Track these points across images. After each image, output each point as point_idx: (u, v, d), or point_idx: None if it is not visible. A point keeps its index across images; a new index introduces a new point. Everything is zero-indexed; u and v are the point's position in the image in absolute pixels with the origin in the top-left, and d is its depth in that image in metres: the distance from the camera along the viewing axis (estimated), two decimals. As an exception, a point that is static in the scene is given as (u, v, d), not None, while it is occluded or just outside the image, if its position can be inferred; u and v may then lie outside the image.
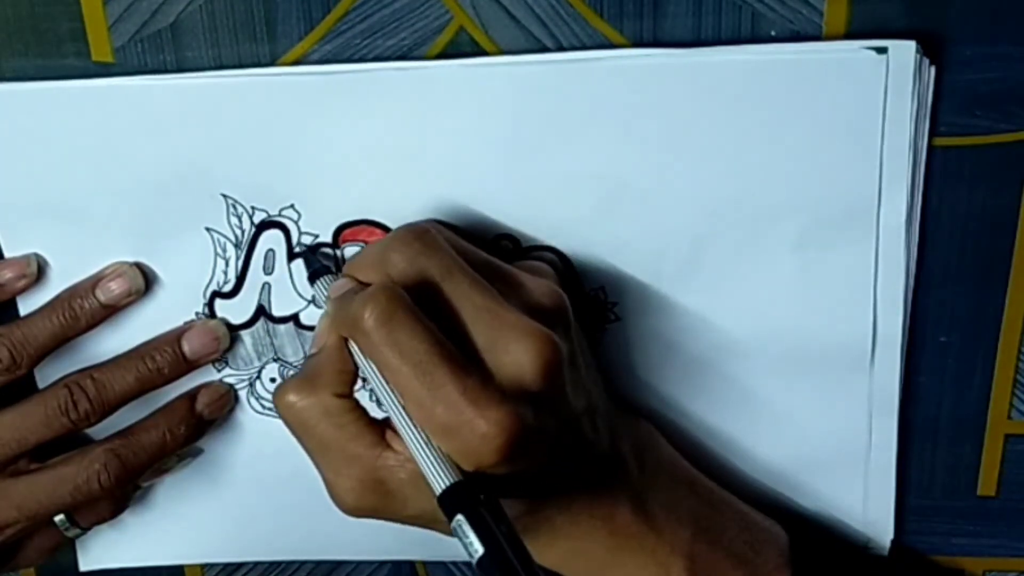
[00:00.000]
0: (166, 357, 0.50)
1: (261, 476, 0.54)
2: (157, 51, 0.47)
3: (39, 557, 0.53)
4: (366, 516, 0.44)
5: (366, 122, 0.46)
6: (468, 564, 0.57)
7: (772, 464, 0.52)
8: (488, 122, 0.46)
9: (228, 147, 0.47)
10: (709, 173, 0.46)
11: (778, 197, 0.47)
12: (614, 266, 0.49)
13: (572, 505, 0.45)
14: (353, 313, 0.41)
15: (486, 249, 0.45)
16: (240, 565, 0.58)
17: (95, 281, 0.50)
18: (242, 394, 0.53)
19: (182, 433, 0.51)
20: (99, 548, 0.57)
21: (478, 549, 0.39)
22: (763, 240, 0.48)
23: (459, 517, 0.39)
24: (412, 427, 0.41)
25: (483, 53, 0.46)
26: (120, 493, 0.53)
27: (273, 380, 0.52)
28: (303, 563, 0.58)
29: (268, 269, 0.50)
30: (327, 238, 0.49)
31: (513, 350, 0.41)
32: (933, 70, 0.45)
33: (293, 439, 0.50)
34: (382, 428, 0.43)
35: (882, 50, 0.44)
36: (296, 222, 0.49)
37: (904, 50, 0.44)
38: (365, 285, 0.43)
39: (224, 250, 0.50)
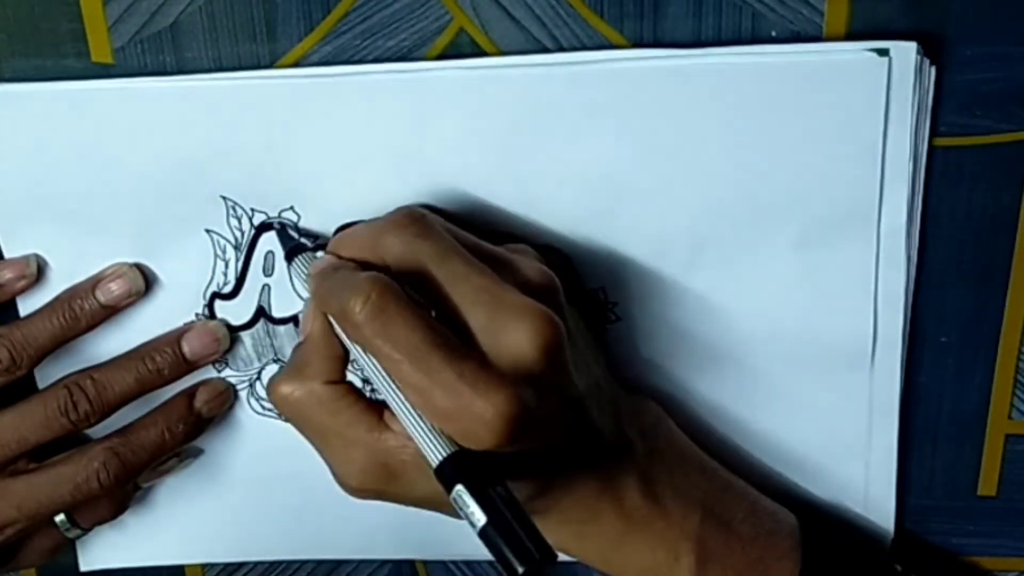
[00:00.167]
0: (166, 358, 0.50)
1: (261, 476, 0.54)
2: (157, 52, 0.47)
3: (39, 558, 0.53)
4: (372, 498, 0.45)
5: (366, 124, 0.46)
6: (468, 564, 0.57)
7: (772, 464, 0.52)
8: (488, 123, 0.46)
9: (228, 149, 0.47)
10: (709, 174, 0.46)
11: (779, 197, 0.47)
12: (614, 266, 0.49)
13: (580, 487, 0.45)
14: (342, 304, 0.41)
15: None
16: (240, 565, 0.58)
17: (95, 282, 0.50)
18: (242, 395, 0.53)
19: (181, 431, 0.51)
20: (99, 548, 0.57)
21: (480, 518, 0.38)
22: (764, 240, 0.48)
23: (458, 487, 0.39)
24: (407, 407, 0.41)
25: (483, 54, 0.46)
26: (120, 493, 0.53)
27: (274, 381, 0.52)
28: (303, 563, 0.58)
29: (268, 271, 0.50)
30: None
31: (513, 330, 0.40)
32: (934, 70, 0.45)
33: (293, 439, 0.50)
34: (379, 409, 0.43)
35: (883, 51, 0.44)
36: (296, 223, 0.49)
37: (905, 51, 0.44)
38: (348, 262, 0.43)
39: (224, 252, 0.50)
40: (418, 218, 0.43)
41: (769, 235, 0.47)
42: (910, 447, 0.52)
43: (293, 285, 0.49)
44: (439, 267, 0.42)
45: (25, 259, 0.50)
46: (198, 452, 0.54)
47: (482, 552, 0.39)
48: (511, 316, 0.41)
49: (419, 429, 0.40)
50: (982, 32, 0.45)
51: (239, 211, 0.49)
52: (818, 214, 0.47)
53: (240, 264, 0.50)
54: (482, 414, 0.39)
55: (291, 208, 0.48)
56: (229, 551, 0.57)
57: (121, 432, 0.51)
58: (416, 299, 0.41)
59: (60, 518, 0.52)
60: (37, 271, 0.50)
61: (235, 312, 0.51)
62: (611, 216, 0.47)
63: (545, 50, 0.46)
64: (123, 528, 0.55)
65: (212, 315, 0.51)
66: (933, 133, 0.46)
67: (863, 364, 0.49)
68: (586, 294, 0.49)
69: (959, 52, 0.45)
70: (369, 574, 0.58)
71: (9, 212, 0.49)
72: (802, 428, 0.51)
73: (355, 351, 0.42)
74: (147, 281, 0.50)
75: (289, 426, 0.52)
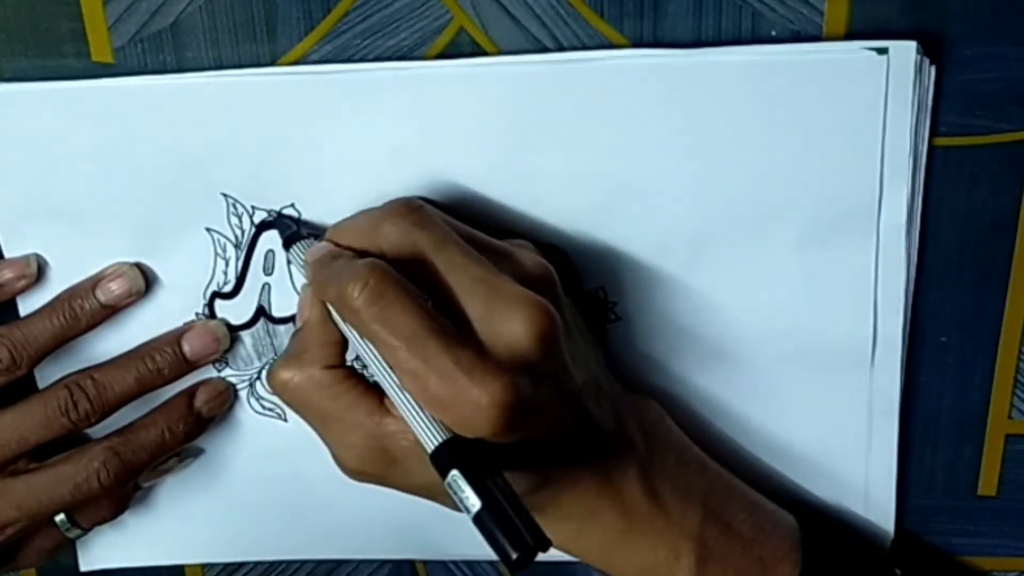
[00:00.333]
0: (166, 357, 0.50)
1: (261, 476, 0.54)
2: (157, 51, 0.47)
3: (39, 558, 0.53)
4: (371, 481, 0.45)
5: (366, 122, 0.46)
6: (468, 564, 0.57)
7: (772, 464, 0.52)
8: (488, 122, 0.46)
9: (228, 147, 0.47)
10: (709, 173, 0.46)
11: (778, 197, 0.47)
12: (614, 266, 0.49)
13: (579, 484, 0.45)
14: (340, 290, 0.41)
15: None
16: (240, 565, 0.58)
17: (95, 282, 0.50)
18: (242, 394, 0.53)
19: (181, 431, 0.51)
20: (100, 548, 0.57)
21: (474, 503, 0.38)
22: (763, 240, 0.48)
23: (453, 472, 0.39)
24: (403, 393, 0.41)
25: (483, 53, 0.46)
26: (120, 493, 0.53)
27: (274, 380, 0.52)
28: (303, 563, 0.58)
29: (268, 270, 0.50)
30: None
31: (509, 319, 0.41)
32: (933, 70, 0.45)
33: (293, 439, 0.51)
34: (380, 394, 0.43)
35: (883, 50, 0.44)
36: (296, 222, 0.49)
37: (904, 50, 0.44)
38: (346, 250, 0.44)
39: (224, 250, 0.50)
40: (416, 208, 0.43)
41: (769, 235, 0.47)
42: (910, 447, 0.52)
43: (291, 274, 0.50)
44: (436, 256, 0.42)
45: (25, 259, 0.50)
46: (198, 452, 0.54)
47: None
48: (507, 305, 0.41)
49: (415, 415, 0.40)
50: (982, 32, 0.45)
51: (239, 209, 0.49)
52: (818, 213, 0.47)
53: (240, 263, 0.50)
54: (478, 401, 0.39)
55: (291, 205, 0.48)
56: (229, 551, 0.57)
57: (121, 432, 0.51)
58: (413, 288, 0.41)
59: (60, 518, 0.52)
60: (37, 271, 0.50)
61: (235, 311, 0.51)
62: (611, 215, 0.48)
63: (545, 49, 0.46)
64: (123, 528, 0.55)
65: (212, 314, 0.51)
66: (933, 133, 0.46)
67: (863, 364, 0.49)
68: (586, 293, 0.49)
69: (959, 52, 0.45)
70: (369, 574, 0.58)
71: (9, 212, 0.49)
72: (802, 428, 0.51)
73: (352, 338, 0.43)
74: (147, 281, 0.50)
75: (289, 426, 0.52)
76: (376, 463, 0.43)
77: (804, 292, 0.48)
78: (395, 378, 0.41)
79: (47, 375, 0.51)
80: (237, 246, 0.49)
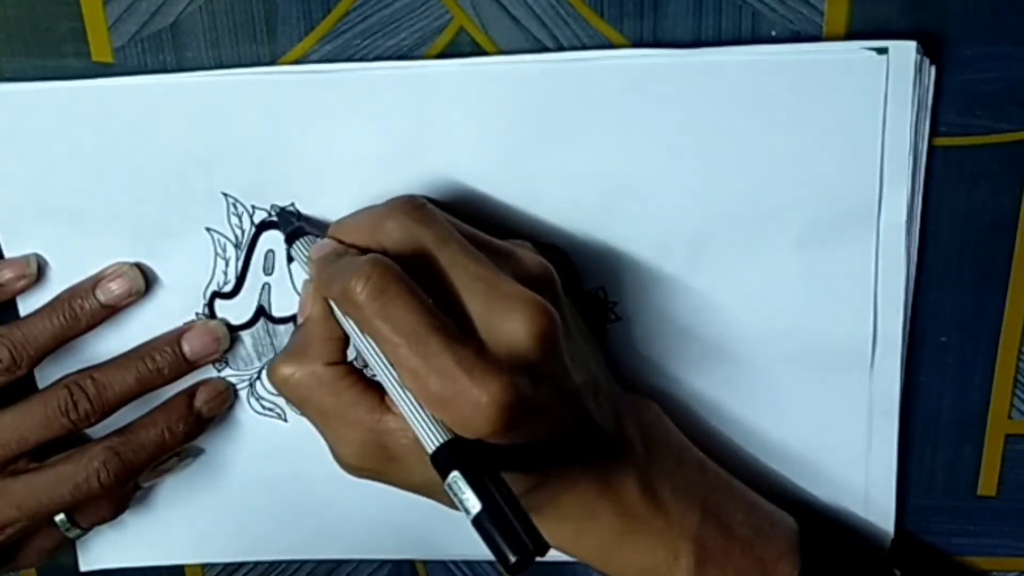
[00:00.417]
0: (166, 357, 0.50)
1: (261, 476, 0.54)
2: (157, 51, 0.47)
3: (39, 558, 0.53)
4: (370, 478, 0.45)
5: (366, 122, 0.46)
6: (468, 564, 0.57)
7: (772, 464, 0.52)
8: (488, 121, 0.46)
9: (228, 147, 0.47)
10: (709, 173, 0.46)
11: (778, 197, 0.47)
12: (614, 266, 0.49)
13: (578, 485, 0.45)
14: (343, 285, 0.41)
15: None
16: (240, 565, 0.58)
17: (95, 282, 0.50)
18: (242, 394, 0.53)
19: (181, 430, 0.51)
20: (99, 548, 0.57)
21: (474, 505, 0.38)
22: (763, 240, 0.48)
23: (454, 474, 0.39)
24: (404, 392, 0.41)
25: (483, 53, 0.46)
26: (120, 492, 0.53)
27: (273, 380, 0.52)
28: (303, 563, 0.58)
29: (268, 269, 0.50)
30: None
31: (508, 319, 0.41)
32: (933, 70, 0.45)
33: (293, 439, 0.51)
34: (380, 391, 0.43)
35: (882, 50, 0.44)
36: (298, 212, 0.49)
37: (904, 50, 0.44)
38: (350, 248, 0.44)
39: (224, 250, 0.50)
40: (418, 205, 0.43)
41: (769, 235, 0.47)
42: (910, 447, 0.52)
43: (291, 273, 0.50)
44: (438, 253, 0.42)
45: (25, 259, 0.50)
46: (198, 452, 0.54)
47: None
48: (507, 305, 0.41)
49: (416, 415, 0.40)
50: (982, 32, 0.45)
51: (240, 208, 0.49)
52: (818, 213, 0.47)
53: (240, 263, 0.50)
54: (477, 401, 0.39)
55: (292, 205, 0.48)
56: (229, 551, 0.57)
57: (121, 432, 0.51)
58: (415, 285, 0.41)
59: (60, 518, 0.52)
60: (37, 271, 0.50)
61: (235, 311, 0.51)
62: (611, 216, 0.48)
63: (545, 49, 0.46)
64: (123, 528, 0.55)
65: (212, 314, 0.51)
66: (933, 133, 0.46)
67: (863, 364, 0.49)
68: (586, 293, 0.49)
69: (959, 52, 0.45)
70: (369, 574, 0.58)
71: (9, 212, 0.49)
72: (802, 428, 0.51)
73: (353, 335, 0.43)
74: (147, 280, 0.50)
75: (289, 426, 0.52)
76: (375, 459, 0.43)
77: (804, 292, 0.48)
78: (396, 376, 0.41)
79: (47, 375, 0.51)
80: (237, 246, 0.49)
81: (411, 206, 0.43)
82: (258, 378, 0.52)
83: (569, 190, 0.47)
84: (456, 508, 0.39)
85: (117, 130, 0.47)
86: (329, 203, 0.48)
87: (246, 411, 0.53)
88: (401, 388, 0.41)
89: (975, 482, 0.52)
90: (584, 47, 0.46)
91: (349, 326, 0.43)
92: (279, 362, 0.44)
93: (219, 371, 0.52)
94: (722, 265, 0.48)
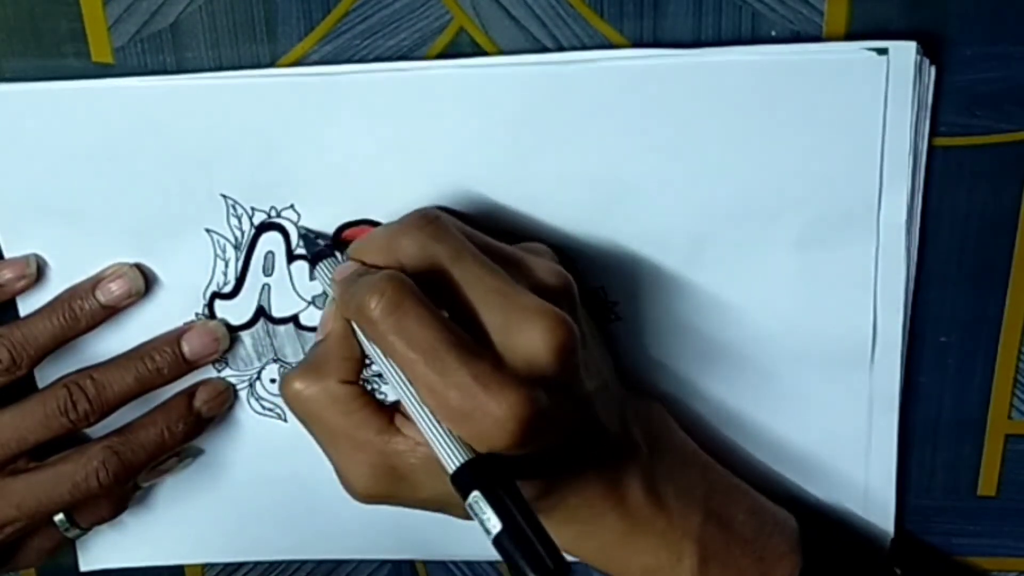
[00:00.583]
0: (166, 357, 0.50)
1: (261, 476, 0.54)
2: (157, 52, 0.47)
3: (39, 558, 0.53)
4: (378, 502, 0.44)
5: (366, 123, 0.46)
6: (468, 564, 0.57)
7: (772, 463, 0.52)
8: (488, 122, 0.46)
9: (228, 148, 0.47)
10: (709, 173, 0.46)
11: (778, 197, 0.47)
12: (615, 266, 0.49)
13: (584, 487, 0.45)
14: (359, 301, 0.41)
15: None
16: (240, 565, 0.58)
17: (95, 282, 0.50)
18: (242, 395, 0.53)
19: (181, 430, 0.51)
20: (99, 548, 0.57)
21: (496, 525, 0.38)
22: (763, 240, 0.48)
23: (475, 494, 0.39)
24: (423, 409, 0.41)
25: (483, 53, 0.46)
26: (119, 492, 0.53)
27: (273, 381, 0.52)
28: (303, 563, 0.58)
29: (268, 270, 0.50)
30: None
31: (526, 332, 0.41)
32: (933, 70, 0.45)
33: (293, 439, 0.50)
34: (390, 413, 0.43)
35: (882, 51, 0.44)
36: (296, 223, 0.49)
37: (904, 50, 0.44)
38: (372, 268, 0.43)
39: (224, 251, 0.50)
40: (432, 219, 0.43)
41: (769, 234, 0.47)
42: (910, 447, 0.52)
43: (290, 275, 0.50)
44: (453, 267, 0.42)
45: (25, 259, 0.50)
46: (198, 452, 0.54)
47: (482, 552, 0.39)
48: (524, 317, 0.41)
49: (435, 434, 0.40)
50: (982, 32, 0.45)
51: (239, 210, 0.49)
52: (818, 213, 0.47)
53: (240, 264, 0.50)
54: (495, 415, 0.39)
55: (291, 207, 0.48)
56: (229, 551, 0.57)
57: (121, 431, 0.51)
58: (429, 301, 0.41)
59: (59, 518, 0.52)
60: (37, 271, 0.50)
61: (235, 312, 0.51)
62: (611, 215, 0.48)
63: (545, 50, 0.46)
64: (123, 528, 0.56)
65: (212, 315, 0.51)
66: (933, 133, 0.46)
67: (863, 363, 0.49)
68: (587, 294, 0.49)
69: (959, 52, 0.45)
70: (369, 574, 0.58)
71: (9, 212, 0.49)
72: (802, 427, 0.51)
73: (373, 355, 0.42)
74: (147, 281, 0.50)
75: (289, 426, 0.52)
76: (384, 482, 0.43)
77: (804, 292, 0.48)
78: (415, 396, 0.41)
79: (47, 375, 0.51)
80: (237, 247, 0.49)
81: (424, 221, 0.43)
82: (258, 378, 0.52)
83: (569, 190, 0.47)
84: (467, 518, 0.39)
85: (117, 130, 0.47)
86: (329, 204, 0.48)
87: (246, 411, 0.53)
88: (420, 405, 0.41)
89: (975, 482, 0.52)
90: (584, 47, 0.46)
91: (369, 346, 0.43)
92: (292, 376, 0.44)
93: (219, 371, 0.52)
94: (722, 265, 0.48)
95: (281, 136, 0.47)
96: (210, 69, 0.47)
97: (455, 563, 0.57)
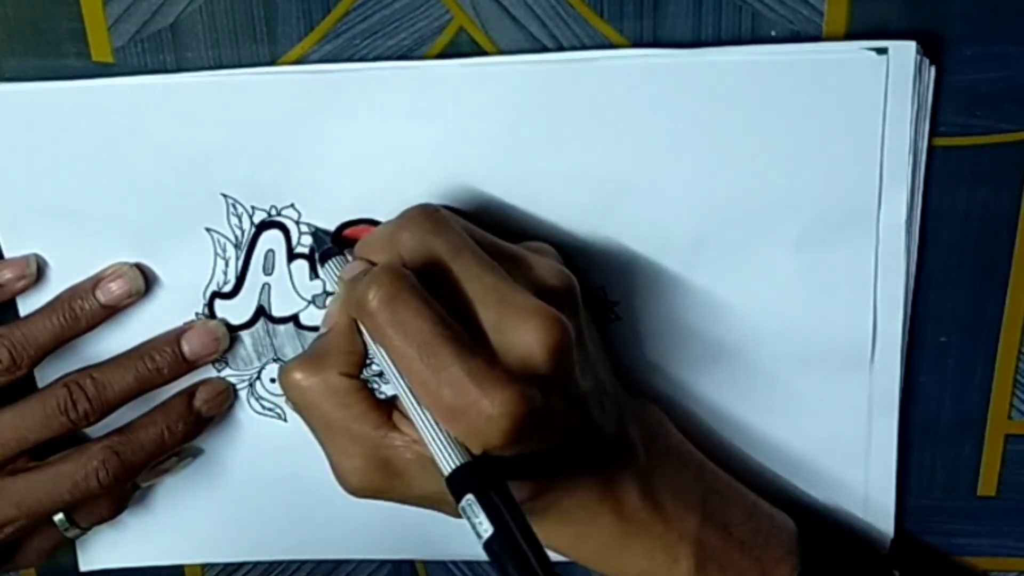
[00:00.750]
0: (166, 357, 0.50)
1: (261, 476, 0.54)
2: (157, 51, 0.47)
3: (39, 558, 0.53)
4: (371, 497, 0.44)
5: (366, 122, 0.46)
6: (468, 564, 0.57)
7: (771, 464, 0.52)
8: (488, 122, 0.46)
9: (228, 147, 0.47)
10: (709, 173, 0.46)
11: (778, 197, 0.47)
12: (615, 266, 0.49)
13: (580, 489, 0.45)
14: (359, 295, 0.41)
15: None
16: (240, 565, 0.58)
17: (95, 282, 0.50)
18: (242, 394, 0.53)
19: (180, 430, 0.51)
20: (99, 548, 0.57)
21: (487, 529, 0.38)
22: (763, 240, 0.48)
23: (468, 497, 0.39)
24: (420, 408, 0.41)
25: (483, 53, 0.46)
26: (119, 492, 0.53)
27: (273, 381, 0.52)
28: (303, 563, 0.58)
29: (268, 270, 0.50)
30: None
31: (522, 331, 0.41)
32: (933, 70, 0.45)
33: (293, 439, 0.50)
34: (388, 409, 0.43)
35: (882, 50, 0.44)
36: (296, 222, 0.49)
37: (904, 50, 0.44)
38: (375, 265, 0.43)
39: (224, 250, 0.50)
40: (432, 214, 0.43)
41: (769, 235, 0.47)
42: (910, 447, 0.52)
43: (291, 274, 0.50)
44: (452, 263, 0.42)
45: (25, 259, 0.50)
46: (198, 452, 0.54)
47: (482, 552, 0.39)
48: (518, 317, 0.41)
49: (432, 434, 0.40)
50: (982, 32, 0.45)
51: (239, 209, 0.49)
52: (818, 213, 0.47)
53: (240, 263, 0.50)
54: (489, 412, 0.39)
55: (291, 205, 0.48)
56: (229, 551, 0.57)
57: (120, 431, 0.51)
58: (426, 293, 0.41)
59: (59, 517, 0.52)
60: (37, 271, 0.50)
61: (235, 311, 0.51)
62: (611, 215, 0.48)
63: (545, 49, 0.46)
64: (123, 528, 0.55)
65: (212, 314, 0.51)
66: (932, 133, 0.46)
67: (863, 364, 0.49)
68: (586, 294, 0.49)
69: (959, 52, 0.45)
70: (369, 574, 0.58)
71: (9, 212, 0.49)
72: (801, 428, 0.51)
73: (373, 349, 0.42)
74: (147, 280, 0.50)
75: (289, 426, 0.52)
76: (378, 476, 0.43)
77: (804, 292, 0.48)
78: (410, 391, 0.41)
79: (47, 375, 0.51)
80: (237, 246, 0.50)
81: (425, 215, 0.43)
82: (258, 378, 0.52)
83: (569, 190, 0.47)
84: (458, 516, 0.39)
85: (117, 130, 0.47)
86: (329, 203, 0.48)
87: (246, 411, 0.53)
88: (416, 403, 0.41)
89: (975, 482, 0.52)
90: (584, 47, 0.46)
91: (371, 343, 0.42)
92: (292, 366, 0.44)
93: (219, 371, 0.52)
94: (722, 265, 0.48)
95: (281, 135, 0.47)
96: (210, 69, 0.47)
97: (455, 563, 0.57)
